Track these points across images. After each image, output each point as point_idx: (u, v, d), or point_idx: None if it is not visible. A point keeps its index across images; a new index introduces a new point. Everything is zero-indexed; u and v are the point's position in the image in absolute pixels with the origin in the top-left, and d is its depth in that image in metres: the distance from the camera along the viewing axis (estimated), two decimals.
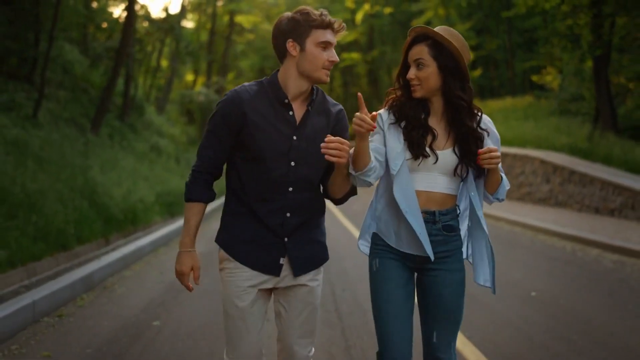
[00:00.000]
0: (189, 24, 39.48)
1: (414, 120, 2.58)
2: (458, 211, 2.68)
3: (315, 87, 2.70)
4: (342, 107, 2.80)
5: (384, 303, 2.58)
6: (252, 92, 2.63)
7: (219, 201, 19.91)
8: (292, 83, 2.62)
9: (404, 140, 2.58)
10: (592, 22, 16.20)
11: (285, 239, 2.64)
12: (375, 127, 2.38)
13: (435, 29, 2.59)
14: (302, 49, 2.58)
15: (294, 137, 2.61)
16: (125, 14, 21.68)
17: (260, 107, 2.61)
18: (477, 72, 30.30)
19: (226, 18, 39.52)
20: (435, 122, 2.62)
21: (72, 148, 12.27)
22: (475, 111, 2.62)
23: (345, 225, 12.86)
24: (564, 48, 17.40)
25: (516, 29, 31.72)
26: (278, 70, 2.68)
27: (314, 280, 2.73)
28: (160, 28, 23.68)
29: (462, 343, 4.62)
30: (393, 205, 2.59)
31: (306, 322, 2.75)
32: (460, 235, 2.69)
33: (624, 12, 15.40)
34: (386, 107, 2.68)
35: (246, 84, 2.68)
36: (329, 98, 2.78)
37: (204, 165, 2.66)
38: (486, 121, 2.67)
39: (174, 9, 49.69)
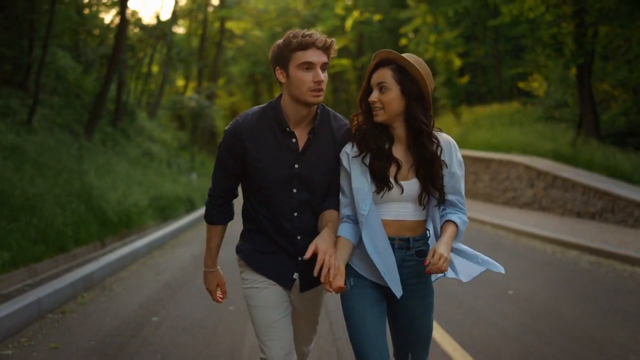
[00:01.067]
0: (179, 29, 39.80)
1: (378, 151, 2.58)
2: (428, 235, 2.72)
3: (319, 110, 2.70)
4: (347, 126, 2.76)
5: (360, 320, 2.60)
6: (254, 121, 2.66)
7: None
8: (289, 109, 2.63)
9: (369, 173, 2.60)
10: (575, 31, 16.63)
11: (299, 258, 2.71)
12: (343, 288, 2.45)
13: (404, 56, 2.58)
14: (288, 75, 2.58)
15: (296, 165, 2.64)
16: (117, 19, 22.02)
17: (262, 136, 2.64)
18: (464, 79, 30.70)
19: (217, 24, 39.82)
20: (399, 150, 2.63)
21: (67, 153, 12.56)
22: (433, 139, 2.62)
23: None
24: (548, 56, 17.84)
25: (503, 37, 32.17)
26: (281, 95, 2.71)
27: (319, 294, 2.87)
28: (152, 35, 23.96)
29: (440, 335, 4.98)
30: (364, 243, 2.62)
31: (308, 327, 2.94)
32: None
33: (606, 22, 15.84)
34: (349, 139, 2.68)
35: (249, 111, 2.72)
36: (337, 116, 2.78)
37: (217, 191, 2.78)
38: (450, 146, 2.66)
39: (165, 15, 50.26)
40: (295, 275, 2.72)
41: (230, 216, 2.85)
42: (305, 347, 3.02)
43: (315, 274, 2.44)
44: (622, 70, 18.55)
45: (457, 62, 29.40)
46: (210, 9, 37.47)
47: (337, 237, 2.59)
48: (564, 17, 16.64)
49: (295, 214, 2.67)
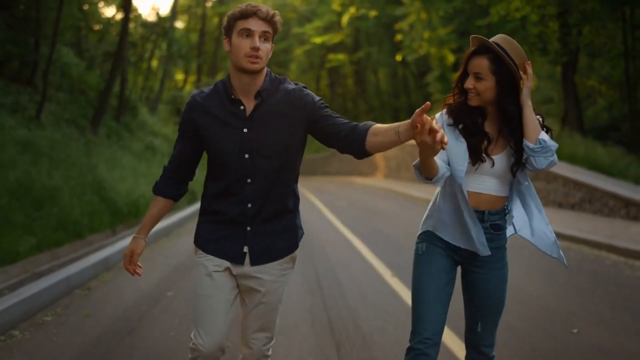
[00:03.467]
0: (178, 24, 40.46)
1: (472, 125, 2.67)
2: (507, 211, 2.78)
3: (267, 78, 2.72)
4: (300, 86, 2.77)
5: (425, 284, 2.69)
6: (206, 95, 2.77)
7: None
8: (235, 79, 2.69)
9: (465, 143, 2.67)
10: (560, 31, 17.43)
11: (248, 228, 2.74)
12: (441, 139, 2.18)
13: (497, 41, 2.67)
14: (231, 43, 2.65)
15: (244, 130, 2.68)
16: (120, 15, 22.74)
17: (211, 108, 2.73)
18: (457, 74, 31.48)
19: (215, 20, 40.52)
20: (490, 127, 2.72)
21: (76, 148, 13.31)
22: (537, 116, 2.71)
23: (327, 217, 13.99)
24: (533, 54, 18.65)
25: (495, 33, 32.88)
26: None
27: (280, 274, 2.82)
28: (154, 32, 24.67)
29: None
30: (452, 202, 2.72)
31: (262, 317, 2.84)
32: (505, 234, 2.80)
33: (587, 22, 16.64)
34: (444, 110, 2.76)
35: (205, 88, 2.84)
36: (286, 83, 2.77)
37: (170, 164, 2.88)
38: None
39: (164, 10, 51.01)
40: (246, 249, 2.75)
41: (178, 194, 2.89)
42: (258, 341, 2.88)
43: (429, 139, 2.19)
44: (606, 67, 19.35)
45: (451, 58, 30.16)
46: (209, 4, 38.17)
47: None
48: (549, 17, 17.43)
49: (249, 180, 2.70)
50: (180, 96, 29.75)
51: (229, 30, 2.65)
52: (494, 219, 2.71)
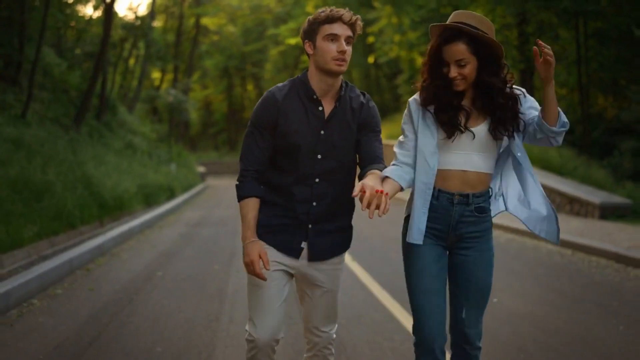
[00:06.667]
0: (155, 23, 41.09)
1: (447, 104, 2.63)
2: (490, 193, 2.75)
3: (344, 83, 2.84)
4: (368, 97, 2.90)
5: (417, 278, 2.68)
6: (285, 91, 2.82)
7: (196, 189, 21.75)
8: (315, 79, 2.78)
9: (437, 122, 2.64)
10: (518, 39, 18.66)
11: (310, 226, 2.82)
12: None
13: (461, 20, 2.59)
14: (315, 46, 2.73)
15: (322, 132, 2.78)
16: (96, 14, 23.45)
17: (292, 105, 2.79)
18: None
19: (192, 20, 41.25)
20: (466, 101, 2.68)
21: (61, 145, 14.14)
22: (507, 91, 2.65)
23: None
24: None
25: None
26: (307, 69, 2.86)
27: (334, 268, 2.90)
28: (133, 34, 25.47)
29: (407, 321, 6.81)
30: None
31: (328, 306, 2.94)
32: (490, 216, 2.76)
33: (542, 33, 17.88)
34: (416, 95, 2.75)
35: (279, 84, 2.88)
36: (356, 90, 2.90)
37: (249, 165, 2.84)
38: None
39: (142, 9, 51.41)
40: (304, 245, 2.82)
41: (262, 190, 2.87)
42: (323, 330, 2.98)
43: (363, 208, 2.37)
44: (563, 74, 20.63)
45: (420, 61, 31.15)
46: (185, 4, 38.89)
47: (383, 177, 2.63)
48: (508, 26, 18.65)
49: (317, 180, 2.80)
50: (158, 95, 30.55)
51: (311, 34, 2.74)
52: (478, 202, 2.69)
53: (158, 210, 14.43)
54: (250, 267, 2.76)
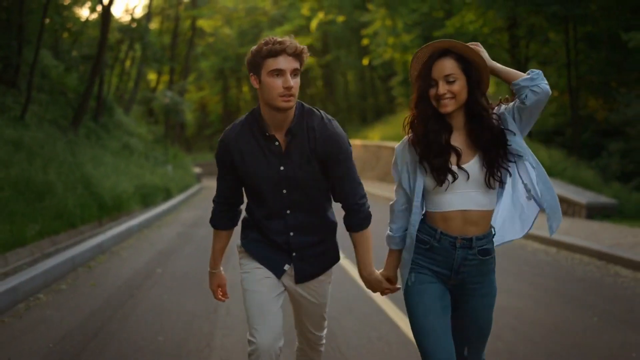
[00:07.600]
0: (151, 25, 41.34)
1: (438, 149, 2.56)
2: (493, 233, 2.68)
3: (297, 112, 2.71)
4: (327, 120, 2.75)
5: (422, 318, 2.61)
6: (238, 131, 2.75)
7: (192, 190, 22.01)
8: (267, 115, 2.67)
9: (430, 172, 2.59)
10: (509, 43, 19.00)
11: (293, 254, 2.82)
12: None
13: (445, 46, 2.58)
14: (260, 81, 2.61)
15: (281, 168, 2.70)
16: (92, 16, 23.68)
17: (247, 145, 2.71)
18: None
19: (188, 22, 41.49)
20: (457, 138, 2.61)
21: (60, 147, 14.40)
22: (493, 118, 2.59)
23: None
24: None
25: (458, 39, 34.47)
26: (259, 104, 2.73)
27: (322, 285, 2.93)
28: (130, 36, 25.74)
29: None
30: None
31: (316, 316, 3.00)
32: (494, 257, 2.70)
33: (533, 37, 18.24)
34: (408, 141, 2.67)
35: (236, 121, 2.82)
36: (312, 113, 2.75)
37: (219, 197, 2.92)
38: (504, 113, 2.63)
39: (137, 11, 51.64)
40: (287, 267, 2.83)
41: (233, 223, 2.96)
42: (314, 333, 3.06)
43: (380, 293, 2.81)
44: (554, 76, 20.99)
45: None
46: (181, 7, 39.14)
47: (390, 250, 2.78)
48: (499, 30, 19.00)
49: (288, 212, 2.77)
50: (155, 97, 30.81)
51: (256, 67, 2.63)
52: (481, 244, 2.61)
53: (155, 210, 14.69)
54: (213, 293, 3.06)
